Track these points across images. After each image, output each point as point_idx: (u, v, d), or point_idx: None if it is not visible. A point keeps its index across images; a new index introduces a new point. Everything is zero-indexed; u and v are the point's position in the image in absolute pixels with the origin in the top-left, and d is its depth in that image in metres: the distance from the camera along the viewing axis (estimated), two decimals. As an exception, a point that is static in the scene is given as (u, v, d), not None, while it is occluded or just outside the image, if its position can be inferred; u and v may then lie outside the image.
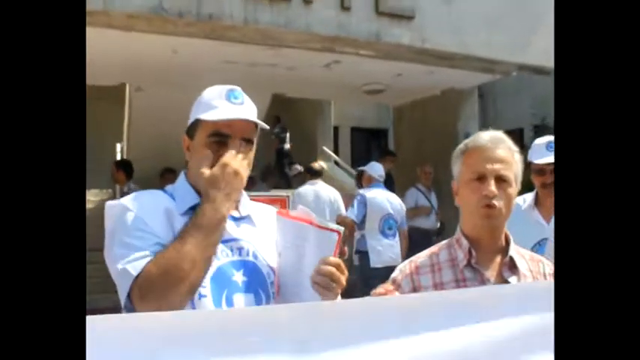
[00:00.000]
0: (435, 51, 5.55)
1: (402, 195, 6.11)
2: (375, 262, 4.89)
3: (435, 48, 5.50)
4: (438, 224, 6.14)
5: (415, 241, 5.91)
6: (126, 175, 5.78)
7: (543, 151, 2.60)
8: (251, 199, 1.49)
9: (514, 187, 1.51)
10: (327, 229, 1.33)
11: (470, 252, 1.50)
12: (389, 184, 6.55)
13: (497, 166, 1.47)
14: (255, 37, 4.98)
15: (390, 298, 1.29)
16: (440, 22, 5.48)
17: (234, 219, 1.39)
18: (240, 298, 1.31)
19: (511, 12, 5.52)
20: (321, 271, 1.29)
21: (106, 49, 5.38)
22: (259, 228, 1.44)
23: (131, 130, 7.27)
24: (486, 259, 1.51)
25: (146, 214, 1.28)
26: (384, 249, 4.98)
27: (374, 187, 5.14)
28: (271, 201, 5.27)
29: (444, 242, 1.61)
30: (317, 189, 5.53)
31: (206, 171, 1.29)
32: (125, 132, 7.82)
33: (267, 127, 1.39)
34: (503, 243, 1.54)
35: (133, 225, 1.26)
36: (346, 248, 5.09)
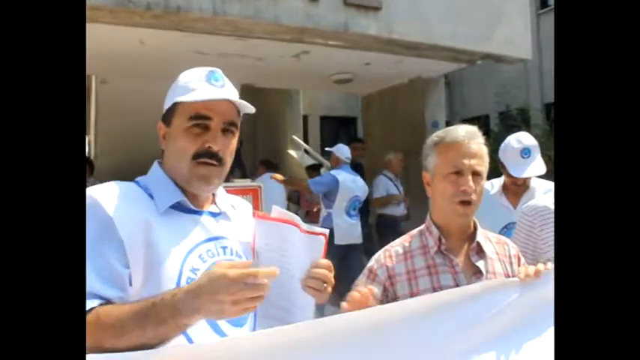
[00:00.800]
0: (401, 41, 5.62)
1: (370, 183, 6.21)
2: (339, 239, 5.13)
3: (402, 38, 5.57)
4: (406, 211, 6.27)
5: (386, 227, 6.04)
6: (88, 170, 5.73)
7: (520, 162, 2.67)
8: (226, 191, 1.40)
9: (484, 179, 1.61)
10: (315, 233, 1.29)
11: (440, 239, 1.59)
12: (358, 171, 6.64)
13: (473, 161, 1.55)
14: (224, 29, 4.96)
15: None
16: (406, 13, 5.55)
17: (213, 215, 1.31)
18: None
19: (475, 4, 5.65)
20: (315, 275, 1.26)
21: (71, 41, 5.28)
22: (234, 223, 1.35)
23: (98, 123, 7.14)
24: (455, 245, 1.61)
25: (117, 216, 1.13)
26: (348, 228, 5.26)
27: (342, 168, 5.39)
28: (244, 191, 5.28)
29: (415, 230, 1.69)
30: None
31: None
32: (92, 125, 7.69)
33: (253, 109, 1.28)
34: (472, 229, 1.63)
35: (97, 233, 1.11)
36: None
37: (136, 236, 1.12)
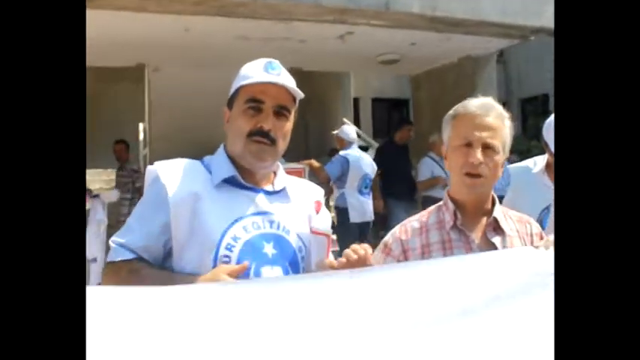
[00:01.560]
0: (446, 18, 5.47)
1: (416, 164, 6.13)
2: (355, 217, 5.38)
3: (446, 15, 5.43)
4: (450, 191, 6.14)
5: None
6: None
7: None
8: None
9: (501, 155, 1.54)
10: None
11: (455, 214, 1.56)
12: (403, 153, 6.56)
13: (484, 133, 1.51)
14: (265, 13, 5.00)
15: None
16: (450, -11, 5.40)
17: (267, 193, 1.42)
18: (268, 271, 1.33)
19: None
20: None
21: (122, 31, 5.50)
22: (294, 203, 1.45)
23: (152, 110, 7.41)
24: (472, 221, 1.57)
25: (170, 186, 1.32)
26: (361, 206, 5.48)
27: (350, 148, 5.58)
28: (289, 173, 5.36)
29: (434, 206, 1.67)
30: None
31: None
32: (147, 112, 7.98)
33: (302, 94, 1.42)
34: (489, 205, 1.59)
35: (152, 198, 1.35)
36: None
37: (183, 205, 1.30)
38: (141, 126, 8.63)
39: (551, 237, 1.35)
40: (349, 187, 5.45)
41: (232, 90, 1.43)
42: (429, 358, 1.12)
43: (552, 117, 2.65)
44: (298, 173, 5.22)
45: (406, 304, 1.18)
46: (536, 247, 1.35)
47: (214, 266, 1.28)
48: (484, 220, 1.57)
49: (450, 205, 1.58)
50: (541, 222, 2.06)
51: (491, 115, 1.53)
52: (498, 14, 5.69)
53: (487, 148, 1.51)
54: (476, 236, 1.56)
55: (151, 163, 1.44)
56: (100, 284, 1.35)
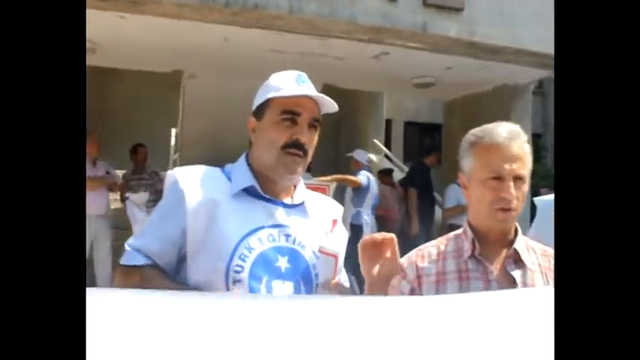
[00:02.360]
0: (484, 44, 5.40)
1: (443, 189, 6.15)
2: (367, 235, 5.65)
3: (484, 41, 5.35)
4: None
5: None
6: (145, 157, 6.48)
7: None
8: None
9: (527, 182, 1.48)
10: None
11: (474, 243, 1.49)
12: (427, 179, 6.76)
13: (515, 165, 1.43)
14: (300, 27, 5.03)
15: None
16: (490, 15, 5.32)
17: (285, 206, 1.41)
18: (279, 285, 1.32)
19: (566, 5, 5.29)
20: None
21: (160, 37, 5.60)
22: (311, 218, 1.44)
23: (185, 115, 7.51)
24: (492, 251, 1.50)
25: (189, 193, 1.31)
26: (373, 225, 6.04)
27: (365, 170, 6.04)
28: (314, 189, 5.37)
29: (452, 233, 1.60)
30: None
31: None
32: (180, 118, 8.09)
33: (337, 107, 1.42)
34: (512, 235, 1.52)
35: (170, 203, 1.34)
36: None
37: (200, 211, 1.29)
38: (173, 131, 8.76)
39: None
40: (366, 206, 5.85)
41: (261, 100, 1.41)
42: None
43: None
44: (322, 190, 5.20)
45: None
46: None
47: (226, 276, 1.26)
48: (504, 251, 1.50)
49: (470, 234, 1.51)
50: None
51: (518, 143, 1.46)
52: (538, 44, 5.59)
53: (517, 179, 1.44)
54: (495, 267, 1.48)
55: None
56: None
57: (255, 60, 5.75)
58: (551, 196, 2.81)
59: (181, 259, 1.32)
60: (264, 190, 1.38)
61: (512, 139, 1.45)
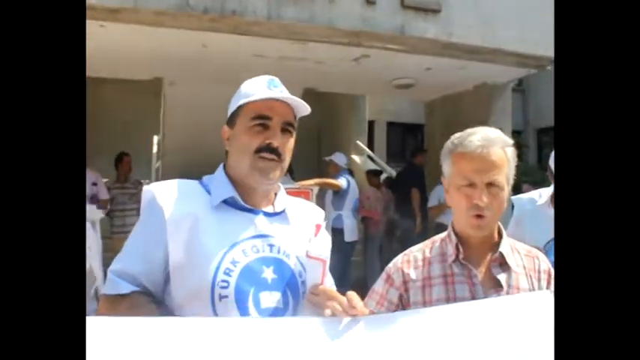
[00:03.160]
0: (462, 45, 5.45)
1: (430, 191, 6.21)
2: (349, 237, 6.01)
3: (462, 42, 5.40)
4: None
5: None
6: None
7: None
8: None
9: (506, 189, 1.48)
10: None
11: (457, 247, 1.50)
12: (419, 179, 6.80)
13: (488, 174, 1.44)
14: (279, 32, 5.02)
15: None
16: (467, 16, 5.37)
17: (267, 215, 1.39)
18: (267, 296, 1.29)
19: (542, 4, 5.37)
20: (312, 300, 1.30)
21: (140, 45, 5.55)
22: (294, 225, 1.42)
23: (166, 123, 7.46)
24: (477, 254, 1.51)
25: (167, 209, 1.27)
26: (354, 227, 6.17)
27: (345, 174, 6.08)
28: (297, 193, 5.37)
29: (437, 236, 1.61)
30: None
31: None
32: (161, 125, 8.03)
33: (309, 109, 1.40)
34: (496, 238, 1.53)
35: (149, 221, 1.30)
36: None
37: (181, 226, 1.26)
38: (155, 139, 8.69)
39: None
40: (346, 208, 5.93)
41: (233, 107, 1.39)
42: None
43: None
44: (305, 194, 5.18)
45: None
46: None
47: (212, 292, 1.24)
48: (490, 254, 1.51)
49: (453, 238, 1.52)
50: (545, 255, 2.00)
51: (493, 151, 1.46)
52: (516, 43, 5.65)
53: (491, 186, 1.45)
54: (480, 271, 1.49)
55: (163, 176, 1.41)
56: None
57: (234, 66, 5.73)
58: (527, 194, 2.83)
59: (167, 278, 1.28)
60: (245, 200, 1.36)
61: (487, 146, 1.45)
